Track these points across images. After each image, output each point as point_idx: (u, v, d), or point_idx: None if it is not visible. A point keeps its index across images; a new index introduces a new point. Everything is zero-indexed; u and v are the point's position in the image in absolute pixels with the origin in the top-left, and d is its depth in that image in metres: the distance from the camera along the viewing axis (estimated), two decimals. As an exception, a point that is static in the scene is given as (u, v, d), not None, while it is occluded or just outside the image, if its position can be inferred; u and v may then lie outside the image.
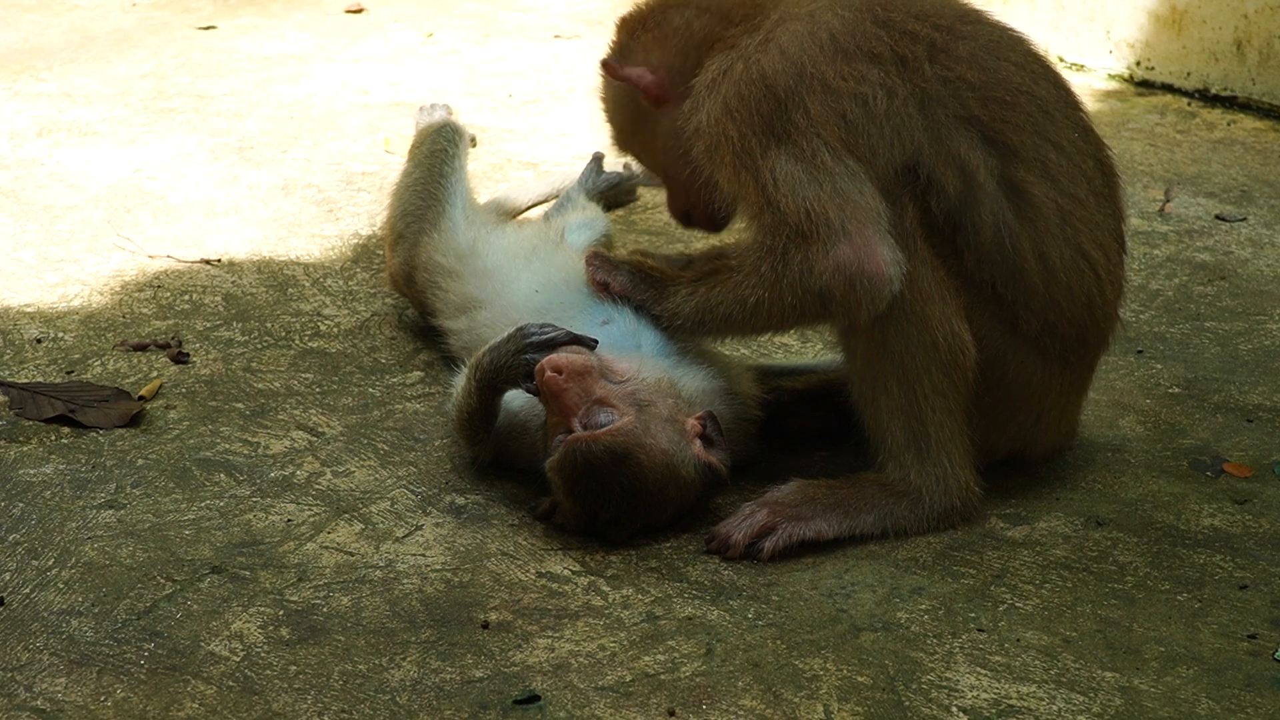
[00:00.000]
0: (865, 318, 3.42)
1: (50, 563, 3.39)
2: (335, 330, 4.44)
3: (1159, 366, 4.29)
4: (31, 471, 3.72)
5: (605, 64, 3.75)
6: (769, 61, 3.44)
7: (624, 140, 3.86)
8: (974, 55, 3.49)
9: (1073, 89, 3.67)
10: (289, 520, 3.56)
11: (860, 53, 3.43)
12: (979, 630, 3.22)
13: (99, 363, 4.22)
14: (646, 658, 3.13)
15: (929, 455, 3.49)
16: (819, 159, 3.39)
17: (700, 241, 5.00)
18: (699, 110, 3.51)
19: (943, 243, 3.45)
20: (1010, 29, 3.64)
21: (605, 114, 3.87)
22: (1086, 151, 3.58)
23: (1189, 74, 6.41)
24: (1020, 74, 3.52)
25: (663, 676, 3.08)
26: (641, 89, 3.68)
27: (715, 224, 3.75)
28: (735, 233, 3.74)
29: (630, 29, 3.76)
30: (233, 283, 4.70)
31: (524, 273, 3.92)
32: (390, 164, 5.55)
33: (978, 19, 3.60)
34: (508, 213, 4.96)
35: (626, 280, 3.68)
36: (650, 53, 3.68)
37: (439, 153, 4.51)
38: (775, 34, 3.48)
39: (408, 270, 4.25)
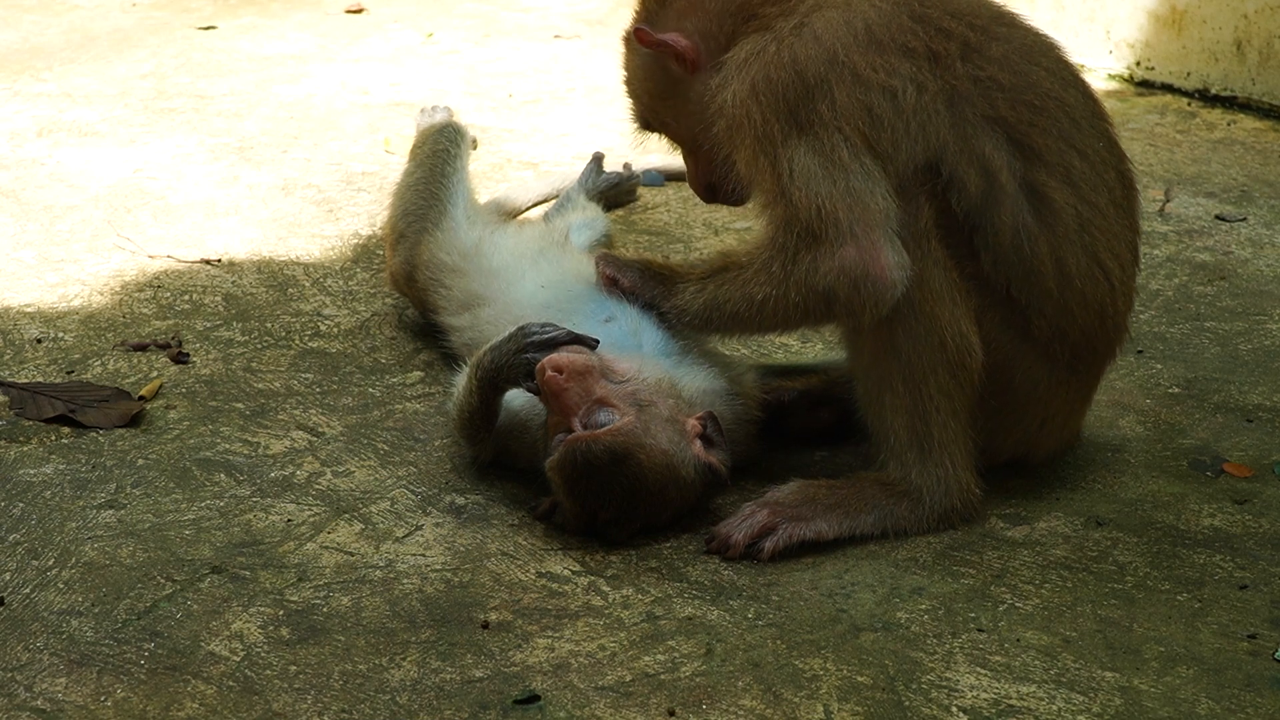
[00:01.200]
0: (868, 320, 3.43)
1: (50, 563, 3.39)
2: (335, 330, 4.44)
3: (1159, 366, 4.29)
4: (31, 471, 3.72)
5: (638, 31, 3.66)
6: (802, 47, 3.43)
7: (651, 110, 3.78)
8: (1006, 57, 3.48)
9: (1100, 101, 3.67)
10: (289, 520, 3.56)
11: (894, 45, 3.43)
12: (979, 630, 3.22)
13: (99, 363, 4.22)
14: (646, 658, 3.13)
15: (931, 455, 3.49)
16: (837, 155, 3.38)
17: (702, 240, 5.01)
18: (726, 88, 3.49)
19: (959, 243, 3.45)
20: (1043, 34, 3.63)
21: (629, 86, 3.80)
22: (1109, 162, 3.57)
23: (1189, 74, 6.41)
24: (1051, 80, 3.52)
25: (663, 676, 3.08)
26: (678, 53, 3.62)
27: (741, 198, 3.71)
28: (740, 237, 3.73)
29: None
30: (233, 283, 4.70)
31: (530, 272, 3.92)
32: (390, 164, 5.56)
33: (1012, 22, 3.60)
34: (508, 213, 4.96)
35: (636, 277, 3.67)
36: (684, 19, 3.64)
37: (441, 153, 4.51)
38: (811, 19, 3.47)
39: (409, 269, 4.25)
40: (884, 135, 3.40)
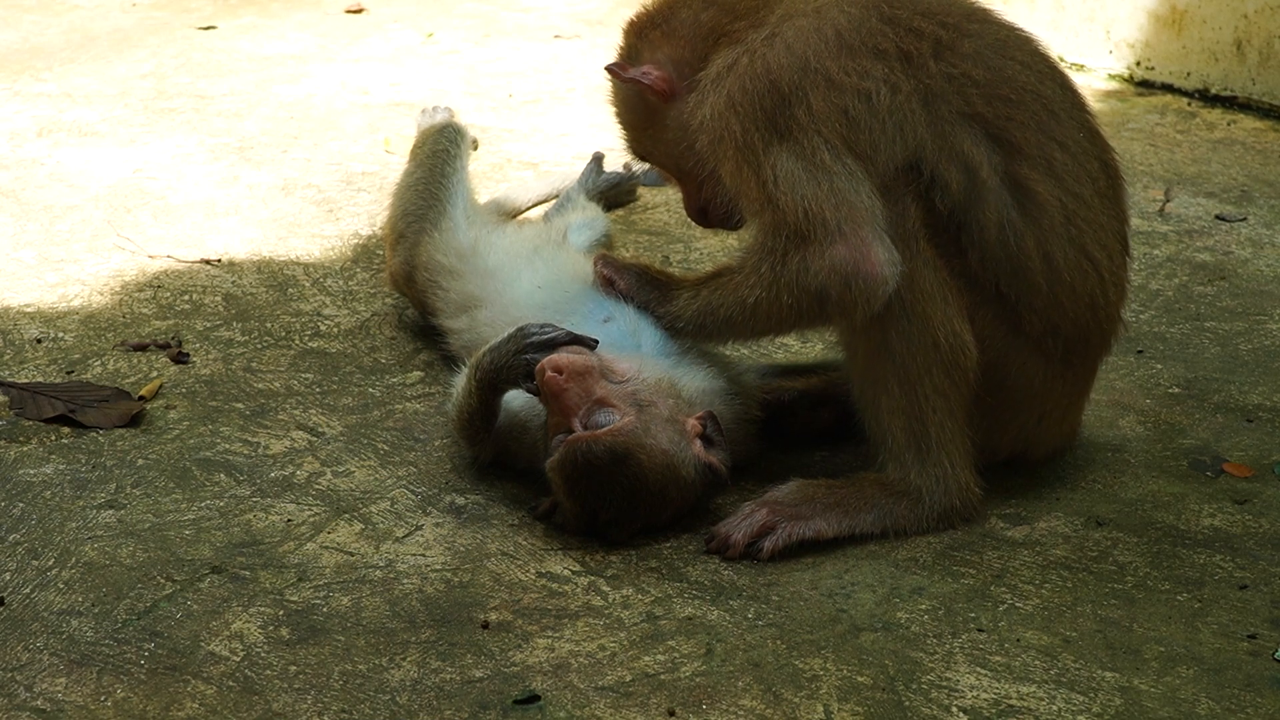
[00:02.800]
0: (861, 318, 3.44)
1: (50, 563, 3.39)
2: (335, 330, 4.44)
3: (1159, 366, 4.29)
4: (31, 471, 3.72)
5: (609, 68, 3.76)
6: (774, 56, 3.45)
7: (636, 141, 3.84)
8: (979, 53, 3.49)
9: (1079, 90, 3.67)
10: (289, 520, 3.56)
11: (865, 49, 3.44)
12: (979, 630, 3.22)
13: (99, 363, 4.22)
14: (646, 658, 3.13)
15: (929, 455, 3.49)
16: (819, 157, 3.40)
17: (702, 240, 5.00)
18: (704, 104, 3.53)
19: (947, 242, 3.45)
20: (1017, 28, 3.64)
21: (616, 117, 3.88)
22: (1091, 153, 3.58)
23: (1189, 74, 6.41)
24: (1026, 73, 3.53)
25: (663, 676, 3.08)
26: (648, 85, 3.67)
27: (733, 221, 3.73)
28: (742, 236, 3.73)
29: (637, 30, 3.77)
30: (233, 283, 4.70)
31: (526, 272, 3.92)
32: (390, 164, 5.55)
33: (985, 18, 3.60)
34: (508, 213, 4.96)
35: (633, 281, 3.69)
36: (658, 49, 3.69)
37: (441, 153, 4.51)
38: (781, 29, 3.49)
39: (408, 270, 4.25)
40: (862, 137, 3.42)
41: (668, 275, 3.71)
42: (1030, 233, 3.46)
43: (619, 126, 3.88)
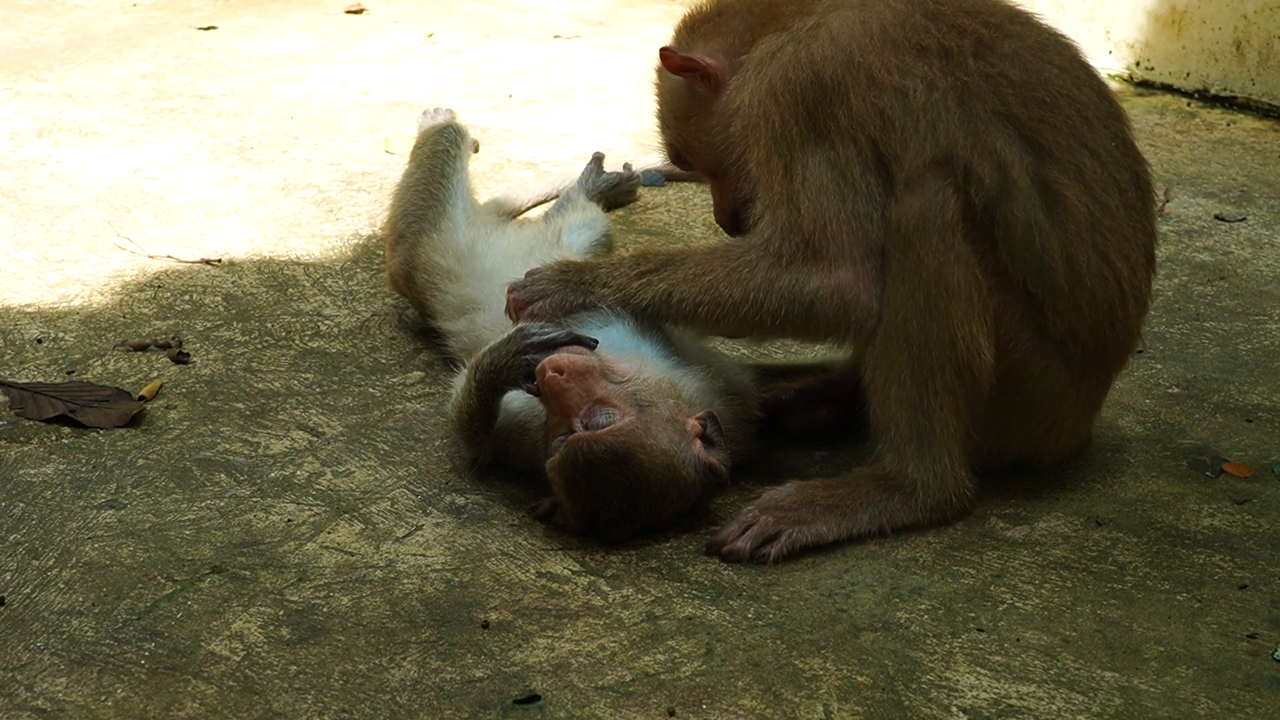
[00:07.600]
0: (845, 343, 3.51)
1: (50, 563, 3.39)
2: (335, 330, 4.44)
3: (1159, 366, 4.29)
4: (32, 471, 3.72)
5: (664, 52, 3.70)
6: (819, 48, 3.47)
7: (679, 136, 3.79)
8: (1018, 54, 3.50)
9: (1117, 100, 3.66)
10: (289, 520, 3.56)
11: (908, 44, 3.46)
12: (979, 630, 3.22)
13: (99, 363, 4.22)
14: (646, 658, 3.13)
15: (929, 450, 3.49)
16: (849, 171, 3.42)
17: (702, 242, 5.00)
18: (744, 89, 3.53)
19: (980, 237, 3.45)
20: (1059, 34, 3.64)
21: (659, 108, 3.84)
22: (1123, 163, 3.57)
23: (1189, 74, 6.41)
24: (1063, 77, 3.53)
25: (663, 676, 3.08)
26: (704, 70, 3.64)
27: None
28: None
29: (689, 24, 3.76)
30: (233, 283, 4.70)
31: (522, 274, 3.91)
32: (390, 164, 5.56)
33: (1027, 20, 3.61)
34: (508, 213, 4.96)
35: (557, 298, 3.62)
36: (710, 41, 3.69)
37: (441, 154, 4.51)
38: (828, 19, 3.51)
39: (408, 270, 4.25)
40: (894, 136, 3.43)
41: (592, 266, 3.65)
42: (1055, 235, 3.45)
43: (660, 123, 3.84)
